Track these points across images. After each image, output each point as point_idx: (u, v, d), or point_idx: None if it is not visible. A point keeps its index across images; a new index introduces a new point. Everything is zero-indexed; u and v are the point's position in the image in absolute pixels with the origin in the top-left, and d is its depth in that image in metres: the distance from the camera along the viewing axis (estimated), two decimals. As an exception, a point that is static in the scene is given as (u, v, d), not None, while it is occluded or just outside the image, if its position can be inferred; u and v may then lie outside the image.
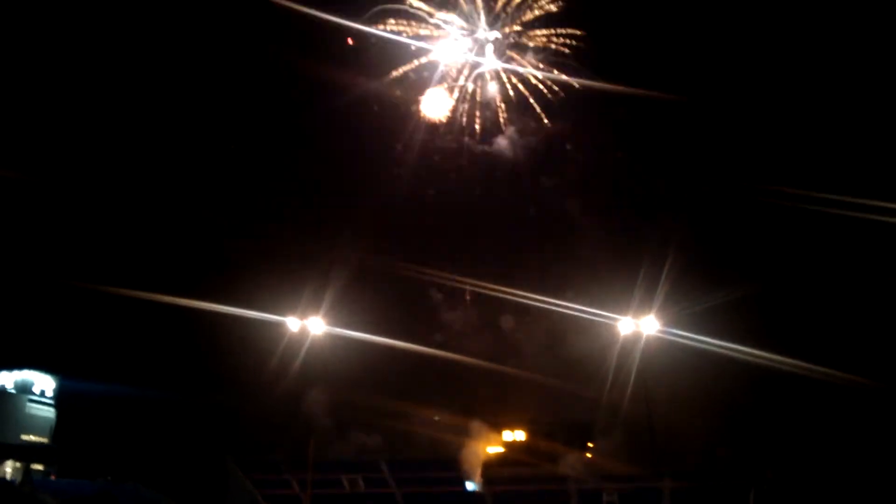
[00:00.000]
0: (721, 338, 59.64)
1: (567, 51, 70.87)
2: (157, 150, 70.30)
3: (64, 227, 66.75)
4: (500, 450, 72.45)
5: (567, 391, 67.49)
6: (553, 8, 70.25)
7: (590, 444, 71.18)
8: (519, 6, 70.94)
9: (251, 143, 73.77)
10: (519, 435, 73.34)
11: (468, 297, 72.95)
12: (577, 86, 70.70)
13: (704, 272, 65.68)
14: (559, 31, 70.95)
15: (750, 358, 58.28)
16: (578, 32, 70.43)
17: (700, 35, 68.07)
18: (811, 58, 67.83)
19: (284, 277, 69.17)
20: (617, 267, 66.80)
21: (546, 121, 72.20)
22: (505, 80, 73.22)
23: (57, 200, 66.42)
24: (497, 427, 72.46)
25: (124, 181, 68.16)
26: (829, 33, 66.77)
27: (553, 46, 71.53)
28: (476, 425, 70.40)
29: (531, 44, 72.17)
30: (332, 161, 75.36)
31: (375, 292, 72.15)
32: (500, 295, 69.30)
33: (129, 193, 67.69)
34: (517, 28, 71.78)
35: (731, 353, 58.47)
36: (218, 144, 71.45)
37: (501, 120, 73.56)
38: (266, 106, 73.29)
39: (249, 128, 73.13)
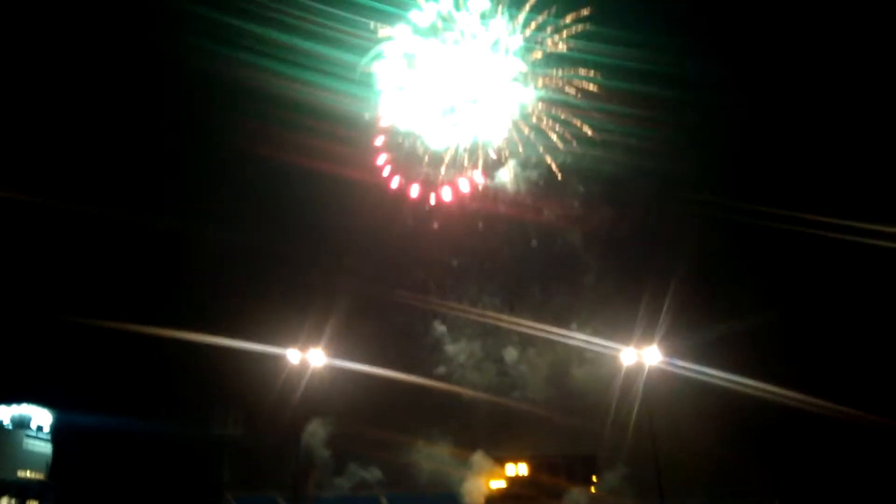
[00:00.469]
0: (726, 369, 58.99)
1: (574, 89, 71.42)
2: (154, 186, 70.36)
3: (61, 262, 66.46)
4: (503, 484, 71.45)
5: (570, 424, 66.74)
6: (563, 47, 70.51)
7: (594, 478, 70.20)
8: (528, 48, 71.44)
9: (251, 175, 73.93)
10: (522, 468, 72.34)
11: (470, 329, 72.42)
12: (578, 123, 71.22)
13: (709, 302, 65.59)
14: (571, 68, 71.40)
15: (756, 391, 57.55)
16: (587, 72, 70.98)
17: (700, 64, 68.32)
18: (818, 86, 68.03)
19: (285, 310, 68.89)
20: (619, 297, 66.89)
21: (547, 155, 72.36)
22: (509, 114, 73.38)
23: (55, 235, 66.28)
24: (500, 460, 71.54)
25: (121, 216, 68.05)
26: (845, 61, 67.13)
27: (563, 86, 71.92)
28: (478, 458, 69.94)
29: (540, 81, 72.40)
30: (335, 193, 75.35)
31: (377, 324, 71.88)
32: (503, 324, 68.86)
33: (127, 227, 67.63)
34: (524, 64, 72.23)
35: (736, 385, 57.86)
36: (218, 178, 71.66)
37: (504, 154, 73.80)
38: (269, 142, 73.37)
39: (251, 161, 73.30)
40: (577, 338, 65.38)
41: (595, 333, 65.21)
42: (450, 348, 72.62)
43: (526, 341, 69.80)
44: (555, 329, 66.12)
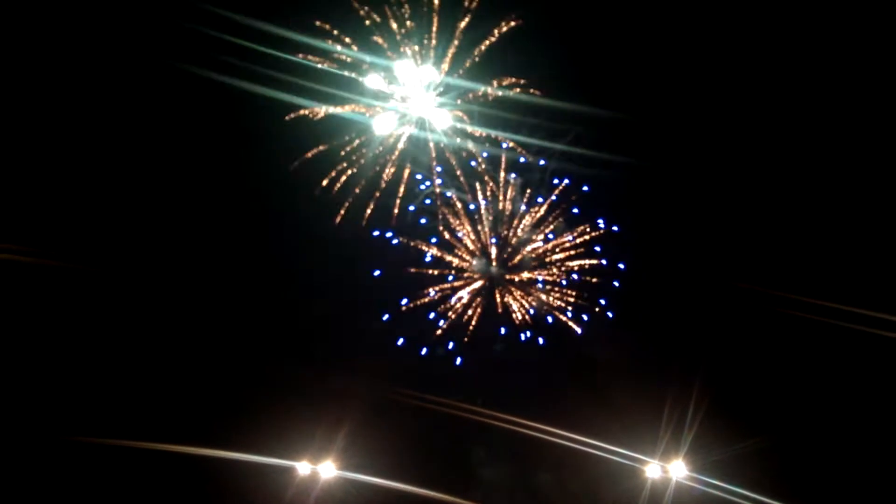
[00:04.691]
0: (763, 489, 55.61)
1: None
2: (151, 289, 70.01)
3: (58, 380, 66.19)
4: None
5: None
6: None
7: None
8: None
9: (256, 271, 72.87)
10: None
11: (486, 446, 69.41)
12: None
13: (741, 412, 61.21)
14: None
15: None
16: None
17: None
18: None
19: (293, 417, 66.16)
20: (641, 406, 62.53)
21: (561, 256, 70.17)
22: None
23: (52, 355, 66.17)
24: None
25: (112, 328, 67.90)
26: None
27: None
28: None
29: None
30: (346, 289, 73.87)
31: (390, 434, 68.61)
32: (518, 429, 65.13)
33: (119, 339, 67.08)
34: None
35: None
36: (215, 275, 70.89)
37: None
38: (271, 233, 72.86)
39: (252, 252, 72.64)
40: (597, 445, 61.08)
41: (616, 445, 60.92)
42: (464, 464, 69.82)
43: (546, 454, 65.51)
44: (571, 434, 62.12)
